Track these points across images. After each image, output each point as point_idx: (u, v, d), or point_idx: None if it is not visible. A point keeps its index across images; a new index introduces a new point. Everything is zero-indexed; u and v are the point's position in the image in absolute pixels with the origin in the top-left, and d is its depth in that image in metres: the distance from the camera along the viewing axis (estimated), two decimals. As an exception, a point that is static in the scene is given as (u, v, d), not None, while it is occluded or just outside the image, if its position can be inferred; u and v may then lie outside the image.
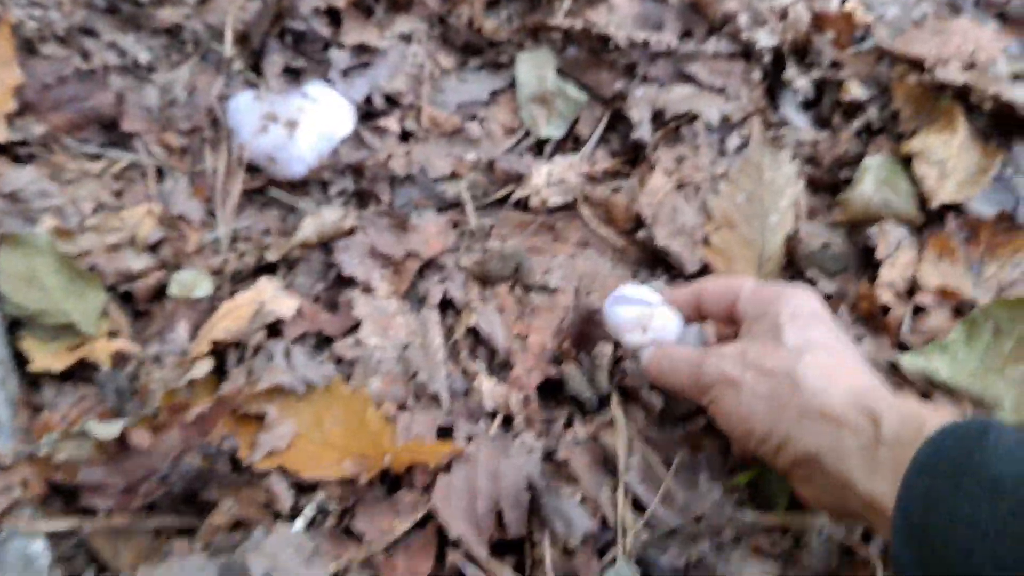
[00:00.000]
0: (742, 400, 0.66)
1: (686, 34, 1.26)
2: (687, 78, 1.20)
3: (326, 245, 1.02)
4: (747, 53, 1.22)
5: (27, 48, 1.09)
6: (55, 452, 0.78)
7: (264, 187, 1.09)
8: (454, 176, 1.12)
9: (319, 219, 0.99)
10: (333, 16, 1.22)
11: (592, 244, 1.07)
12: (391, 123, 1.14)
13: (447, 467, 0.80)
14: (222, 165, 1.09)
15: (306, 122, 1.07)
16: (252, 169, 1.09)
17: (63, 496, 0.80)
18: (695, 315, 0.81)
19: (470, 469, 0.80)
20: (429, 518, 0.80)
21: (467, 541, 0.76)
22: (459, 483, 0.79)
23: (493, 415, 0.90)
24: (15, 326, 0.91)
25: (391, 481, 0.84)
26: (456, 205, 1.11)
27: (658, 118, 1.15)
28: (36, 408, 0.87)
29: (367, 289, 0.99)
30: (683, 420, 0.87)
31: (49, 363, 0.88)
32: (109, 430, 0.77)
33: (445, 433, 0.86)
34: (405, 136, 1.15)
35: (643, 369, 0.82)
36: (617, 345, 0.91)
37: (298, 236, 0.99)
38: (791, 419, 0.63)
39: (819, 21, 1.27)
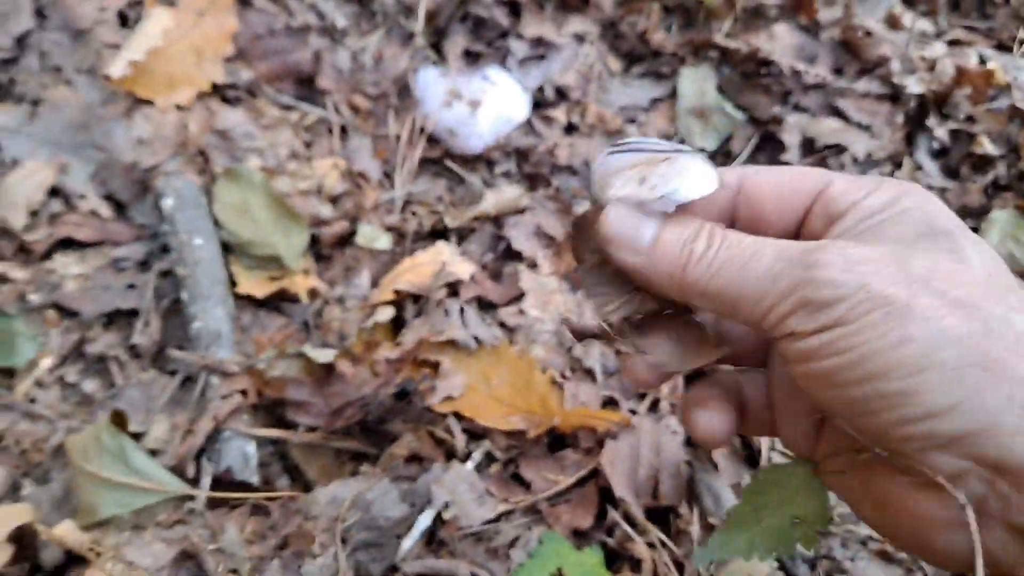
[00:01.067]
0: (910, 335, 0.36)
1: (837, 70, 1.33)
2: (836, 112, 1.27)
3: (497, 220, 1.10)
4: (894, 96, 1.29)
5: (242, 0, 1.18)
6: (270, 368, 0.87)
7: (441, 158, 1.18)
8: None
9: (499, 194, 1.08)
10: (512, 8, 1.30)
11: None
12: (559, 115, 1.22)
13: (613, 435, 0.88)
14: (405, 132, 1.17)
15: (488, 103, 1.15)
16: (431, 140, 1.17)
17: (269, 408, 0.89)
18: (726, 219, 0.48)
19: (635, 439, 0.88)
20: (591, 478, 0.88)
21: (627, 502, 0.84)
22: (624, 450, 0.87)
23: (643, 396, 0.97)
24: (225, 252, 0.99)
25: (553, 440, 0.92)
26: (612, 199, 1.18)
27: (808, 145, 1.22)
28: (240, 328, 0.96)
29: (532, 265, 1.07)
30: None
31: (252, 289, 0.97)
32: (324, 355, 0.86)
33: (609, 404, 0.94)
34: (570, 129, 1.23)
35: (650, 257, 0.44)
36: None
37: (479, 207, 1.07)
38: (1003, 402, 0.35)
39: (960, 76, 1.33)
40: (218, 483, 0.78)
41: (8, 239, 0.96)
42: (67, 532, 0.67)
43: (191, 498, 0.75)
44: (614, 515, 0.85)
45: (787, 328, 0.40)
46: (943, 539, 0.39)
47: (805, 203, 0.46)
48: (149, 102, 1.04)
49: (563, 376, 0.97)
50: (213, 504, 0.77)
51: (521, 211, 1.10)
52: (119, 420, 0.76)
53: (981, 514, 0.37)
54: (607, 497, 0.86)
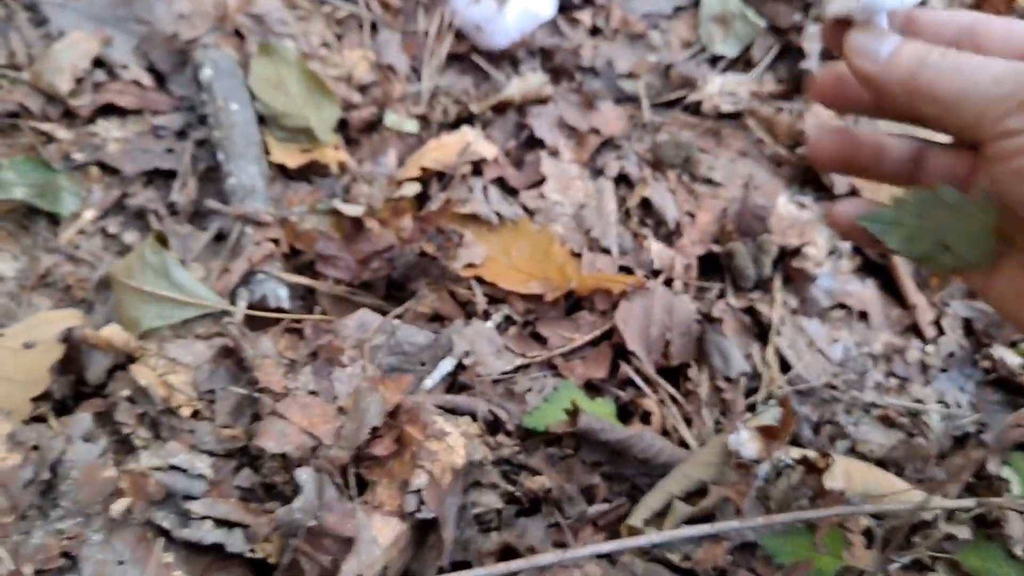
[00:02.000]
0: None
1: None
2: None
3: (520, 109, 1.14)
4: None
5: None
6: (301, 221, 0.91)
7: (467, 53, 1.21)
8: (632, 75, 1.23)
9: (524, 82, 1.11)
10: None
11: (751, 154, 1.17)
12: (585, 17, 1.25)
13: (628, 296, 0.92)
14: (433, 27, 1.21)
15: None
16: (458, 36, 1.21)
17: (299, 262, 0.93)
18: None
19: (648, 300, 0.91)
20: (605, 337, 0.92)
21: (639, 357, 0.88)
22: (638, 310, 0.91)
23: (657, 273, 1.01)
24: (259, 123, 1.03)
25: (571, 305, 0.96)
26: (632, 100, 1.22)
27: (828, 54, 1.24)
28: (272, 195, 1.00)
29: (554, 152, 1.11)
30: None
31: (284, 159, 1.01)
32: (354, 209, 0.90)
33: (625, 271, 0.97)
34: (594, 32, 1.26)
35: (886, 65, 0.51)
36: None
37: (503, 93, 1.11)
38: None
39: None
40: (253, 307, 0.82)
41: (54, 103, 1.00)
42: (114, 333, 0.71)
43: (229, 314, 0.80)
44: (626, 370, 0.89)
45: (1003, 126, 0.45)
46: None
47: None
48: (189, -20, 1.08)
49: (580, 254, 1.01)
50: (249, 323, 0.81)
51: (544, 101, 1.14)
52: (161, 239, 0.81)
53: None
54: (620, 354, 0.90)
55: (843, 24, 0.53)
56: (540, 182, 1.08)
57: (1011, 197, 0.48)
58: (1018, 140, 0.45)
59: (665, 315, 0.91)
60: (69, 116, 1.01)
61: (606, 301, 0.93)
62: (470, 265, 0.95)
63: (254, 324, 0.81)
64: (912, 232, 0.55)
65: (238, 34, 1.09)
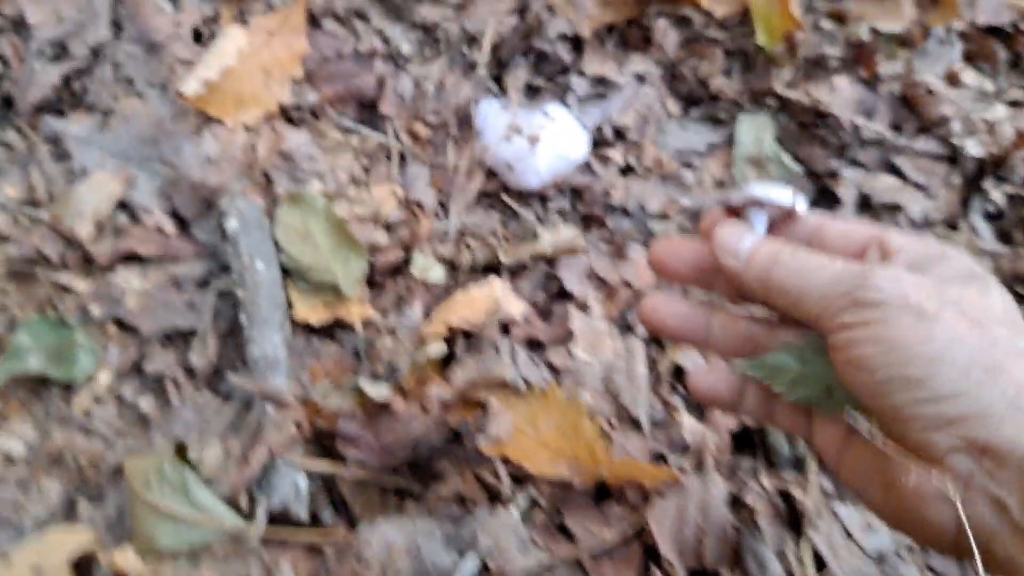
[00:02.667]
0: (933, 336, 0.47)
1: (895, 127, 1.33)
2: (893, 169, 1.27)
3: (550, 259, 1.11)
4: (952, 157, 1.29)
5: (312, 22, 1.19)
6: (324, 399, 0.88)
7: (496, 191, 1.18)
8: (664, 216, 1.21)
9: (556, 235, 1.08)
10: (575, 44, 1.30)
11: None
12: (616, 155, 1.23)
13: (661, 492, 0.88)
14: (464, 163, 1.18)
15: (546, 139, 1.16)
16: (489, 172, 1.18)
17: (319, 439, 0.90)
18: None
19: (682, 498, 0.88)
20: (636, 535, 0.88)
21: (673, 563, 0.85)
22: (672, 509, 0.87)
23: (686, 448, 0.98)
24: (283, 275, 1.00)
25: (599, 490, 0.92)
26: (664, 244, 1.19)
27: (864, 202, 1.22)
28: (295, 354, 0.97)
29: (583, 307, 1.07)
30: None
31: (308, 315, 0.98)
32: (380, 392, 0.86)
33: (657, 459, 0.94)
34: (626, 170, 1.23)
35: (746, 262, 0.57)
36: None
37: (535, 246, 1.08)
38: (997, 396, 0.45)
39: (1019, 138, 1.32)
40: (273, 518, 0.78)
41: (73, 249, 0.97)
42: (128, 562, 0.68)
43: (245, 534, 0.76)
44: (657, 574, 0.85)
45: (839, 320, 0.51)
46: (933, 511, 0.48)
47: (864, 243, 0.57)
48: (218, 120, 1.05)
49: (610, 424, 0.97)
50: (268, 540, 0.77)
51: (576, 252, 1.11)
52: (181, 452, 0.77)
53: (967, 488, 0.47)
54: (651, 555, 0.87)
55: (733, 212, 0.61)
56: (568, 338, 1.05)
57: (850, 386, 0.52)
58: (851, 333, 0.50)
59: (700, 516, 0.88)
60: (87, 263, 0.98)
61: (638, 493, 0.90)
62: (495, 441, 0.92)
63: (274, 539, 0.78)
64: (796, 377, 0.58)
65: (265, 175, 1.06)
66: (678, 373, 1.05)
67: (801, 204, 0.59)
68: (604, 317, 1.08)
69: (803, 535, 0.93)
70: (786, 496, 0.96)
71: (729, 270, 0.58)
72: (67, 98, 1.07)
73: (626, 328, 1.09)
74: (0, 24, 1.08)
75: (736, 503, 0.93)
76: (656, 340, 1.08)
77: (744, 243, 0.58)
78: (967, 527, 0.46)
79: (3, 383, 0.86)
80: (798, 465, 1.00)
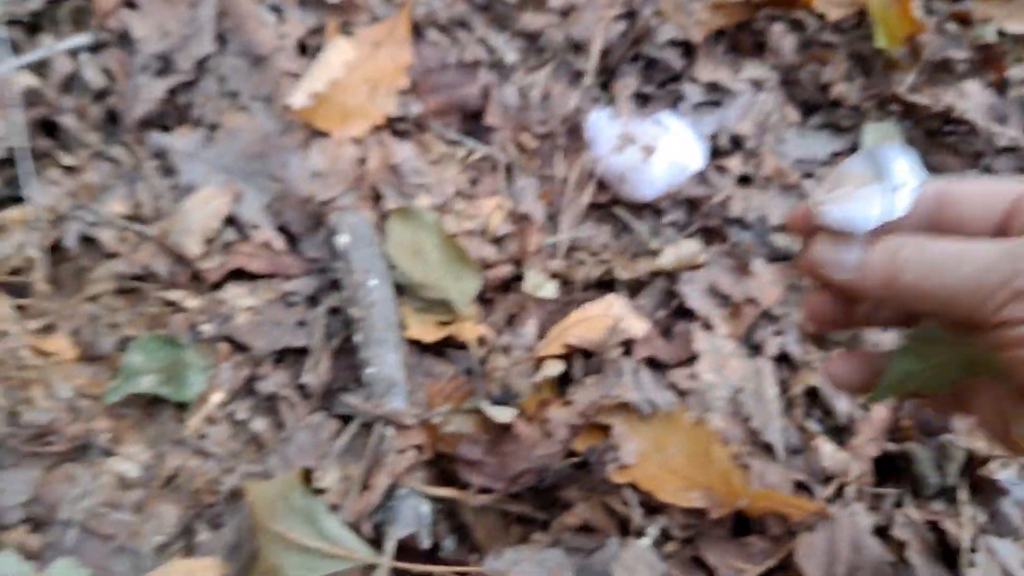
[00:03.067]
0: None
1: (1030, 132, 1.24)
2: (1030, 177, 1.18)
3: (670, 274, 1.05)
4: (1094, 163, 1.19)
5: (415, 32, 1.16)
6: (445, 423, 0.83)
7: (608, 204, 1.13)
8: (787, 228, 1.13)
9: (678, 249, 1.02)
10: (686, 49, 1.25)
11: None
12: (733, 165, 1.16)
13: (808, 526, 0.81)
14: (573, 174, 1.13)
15: (662, 149, 1.10)
16: (600, 185, 1.13)
17: (439, 463, 0.85)
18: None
19: (831, 533, 0.81)
20: (778, 569, 0.81)
21: (826, 604, 0.77)
22: (821, 544, 0.80)
23: (827, 478, 0.90)
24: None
25: (736, 522, 0.85)
26: (786, 257, 1.12)
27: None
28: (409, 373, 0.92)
29: (707, 325, 1.01)
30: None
31: (421, 333, 0.94)
32: (503, 414, 0.81)
33: (797, 488, 0.87)
34: (744, 180, 1.17)
35: (862, 271, 0.48)
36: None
37: (656, 261, 1.02)
38: None
39: None
40: (400, 549, 0.74)
41: (182, 266, 0.94)
42: (255, 595, 0.64)
43: (375, 567, 0.71)
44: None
45: (999, 318, 0.43)
46: None
47: (1005, 206, 0.49)
48: (325, 134, 1.02)
49: (742, 451, 0.91)
50: (397, 571, 0.73)
51: (696, 267, 1.04)
52: (307, 478, 0.73)
53: None
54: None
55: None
56: (692, 359, 0.99)
57: (1019, 380, 0.45)
58: (1019, 330, 0.42)
59: (853, 553, 0.80)
60: (196, 280, 0.95)
61: (780, 525, 0.83)
62: (623, 467, 0.86)
63: (402, 572, 0.73)
64: (926, 373, 0.52)
65: (374, 190, 1.02)
66: (812, 396, 0.98)
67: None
68: (729, 336, 1.01)
69: (958, 573, 0.85)
70: (936, 528, 0.88)
71: (843, 286, 0.49)
72: (172, 112, 1.05)
73: (753, 348, 1.02)
74: (105, 38, 1.07)
75: (883, 536, 0.86)
76: (787, 360, 1.00)
77: (847, 252, 0.48)
78: None
79: (118, 403, 0.83)
80: (947, 495, 0.91)
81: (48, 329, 0.89)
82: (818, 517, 0.82)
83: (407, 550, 0.74)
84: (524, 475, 0.80)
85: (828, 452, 0.92)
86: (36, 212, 0.95)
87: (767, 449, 0.93)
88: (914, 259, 0.46)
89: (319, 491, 0.75)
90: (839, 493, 0.90)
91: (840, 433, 0.95)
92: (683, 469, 0.88)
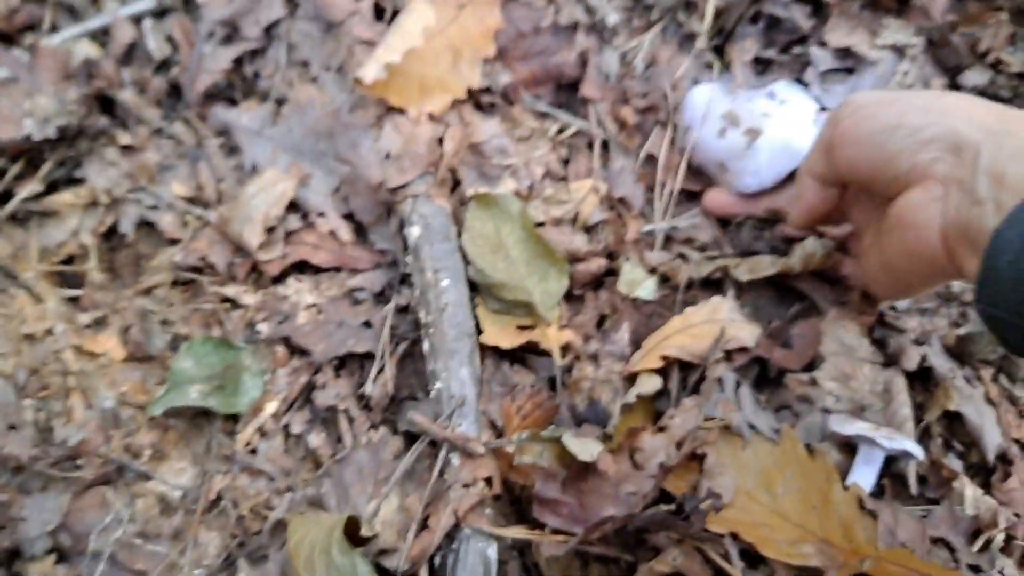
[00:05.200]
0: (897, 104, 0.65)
1: None
2: None
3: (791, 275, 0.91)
4: None
5: (503, -9, 1.03)
6: (519, 453, 0.73)
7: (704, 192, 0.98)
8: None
9: (806, 250, 0.87)
10: (815, 7, 1.08)
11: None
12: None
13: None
14: (663, 154, 0.99)
15: (770, 131, 0.93)
16: (697, 171, 0.99)
17: (510, 499, 0.75)
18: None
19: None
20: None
21: None
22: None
23: (975, 532, 0.76)
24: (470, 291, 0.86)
25: (858, 581, 0.72)
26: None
27: None
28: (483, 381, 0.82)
29: (834, 323, 0.87)
30: None
31: (498, 339, 0.83)
32: (588, 450, 0.70)
33: (938, 544, 0.73)
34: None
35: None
36: None
37: (783, 261, 0.88)
38: (958, 121, 0.59)
39: None
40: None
41: (242, 257, 0.86)
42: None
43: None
44: None
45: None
46: (920, 233, 0.61)
47: None
48: (400, 110, 0.91)
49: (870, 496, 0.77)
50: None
51: (827, 267, 0.90)
52: (352, 527, 0.64)
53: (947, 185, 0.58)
54: None
55: None
56: (812, 364, 0.85)
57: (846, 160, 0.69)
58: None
59: (1003, 637, 0.67)
60: (256, 272, 0.87)
61: (914, 592, 0.70)
62: (721, 513, 0.74)
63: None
64: None
65: (452, 172, 0.91)
66: (952, 423, 0.83)
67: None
68: (862, 336, 0.87)
69: None
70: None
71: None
72: (238, 84, 0.97)
73: (889, 358, 0.87)
74: (169, 3, 0.98)
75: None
76: (923, 378, 0.86)
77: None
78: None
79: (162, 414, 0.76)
80: None
81: (99, 324, 0.82)
82: None
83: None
84: (607, 521, 0.69)
85: (972, 497, 0.77)
86: (92, 194, 0.88)
87: (900, 483, 0.79)
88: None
89: (367, 539, 0.66)
90: (984, 548, 0.76)
91: (989, 475, 0.80)
92: (795, 514, 0.75)
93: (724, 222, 0.97)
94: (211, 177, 0.91)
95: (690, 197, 0.99)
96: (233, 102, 0.95)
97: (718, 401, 0.81)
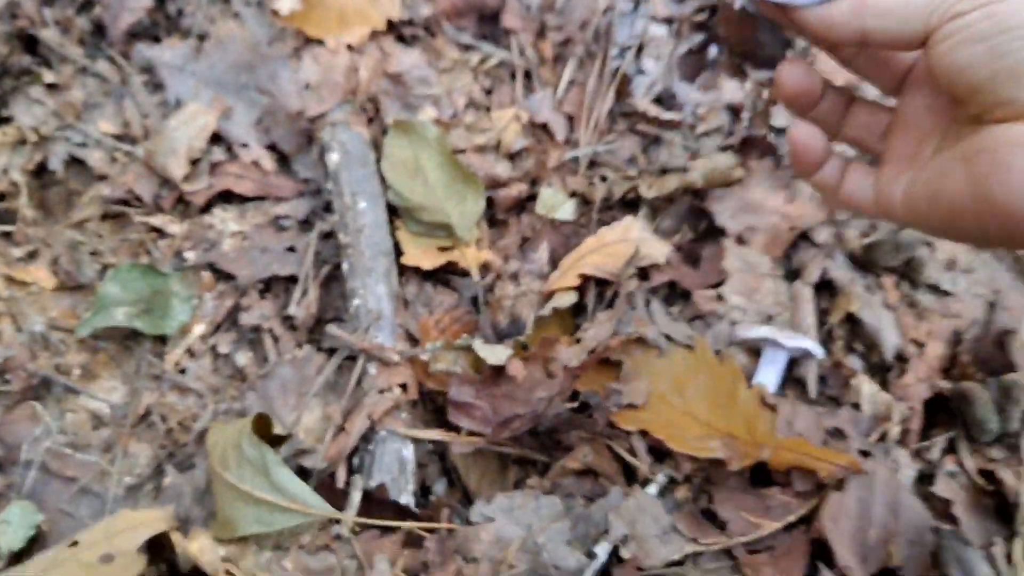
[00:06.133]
0: None
1: None
2: None
3: (699, 192, 0.94)
4: None
5: (427, -77, 1.05)
6: (434, 360, 0.76)
7: (635, 114, 1.02)
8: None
9: (710, 163, 0.91)
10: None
11: (999, 257, 0.93)
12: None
13: (838, 483, 0.72)
14: (592, 80, 1.02)
15: (696, 51, 0.98)
16: (621, 92, 1.02)
17: (428, 401, 0.79)
18: None
19: (866, 493, 0.72)
20: (801, 523, 0.73)
21: (852, 568, 0.69)
22: (852, 505, 0.71)
23: (868, 423, 0.81)
24: (390, 214, 0.89)
25: (756, 471, 0.77)
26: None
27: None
28: (403, 301, 0.85)
29: (740, 241, 0.91)
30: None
31: (419, 260, 0.86)
32: (496, 355, 0.74)
33: (832, 435, 0.78)
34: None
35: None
36: None
37: (684, 177, 0.91)
38: None
39: None
40: (369, 499, 0.68)
41: (167, 189, 0.89)
42: (202, 549, 0.59)
43: (338, 521, 0.66)
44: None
45: (953, 11, 0.42)
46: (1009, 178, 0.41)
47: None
48: (318, 41, 0.93)
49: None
50: (363, 526, 0.67)
51: (731, 183, 0.93)
52: (262, 425, 0.67)
53: None
54: (821, 553, 0.71)
55: None
56: (719, 283, 0.89)
57: (949, 69, 0.43)
58: (962, 20, 0.42)
59: (889, 516, 0.71)
60: (182, 203, 0.89)
61: (808, 480, 0.74)
62: (630, 407, 0.78)
63: (370, 516, 0.67)
64: None
65: (372, 101, 0.94)
66: (854, 326, 0.87)
67: None
68: (765, 255, 0.91)
69: (1016, 533, 0.75)
70: (992, 478, 0.78)
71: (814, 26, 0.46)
72: (161, 21, 0.98)
73: (791, 272, 0.91)
74: (90, -58, 1.00)
75: (927, 490, 0.76)
76: (828, 287, 0.90)
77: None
78: None
79: (93, 336, 0.79)
80: (1008, 442, 0.81)
81: (30, 257, 0.85)
82: (849, 471, 0.72)
83: (378, 501, 0.68)
84: (516, 420, 0.73)
85: (869, 393, 0.82)
86: (20, 132, 0.90)
87: (801, 388, 0.83)
88: None
89: (282, 438, 0.70)
90: (880, 440, 0.81)
91: (886, 372, 0.84)
92: (704, 413, 0.79)
93: (645, 141, 1.00)
94: (136, 113, 0.93)
95: (619, 118, 1.02)
96: (156, 39, 0.97)
97: (632, 315, 0.85)
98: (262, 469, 0.64)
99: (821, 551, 0.71)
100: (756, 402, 0.79)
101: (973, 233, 0.45)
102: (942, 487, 0.76)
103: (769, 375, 0.83)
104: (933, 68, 0.45)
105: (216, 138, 0.91)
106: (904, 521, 0.70)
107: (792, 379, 0.85)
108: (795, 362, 0.85)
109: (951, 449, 0.81)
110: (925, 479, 0.78)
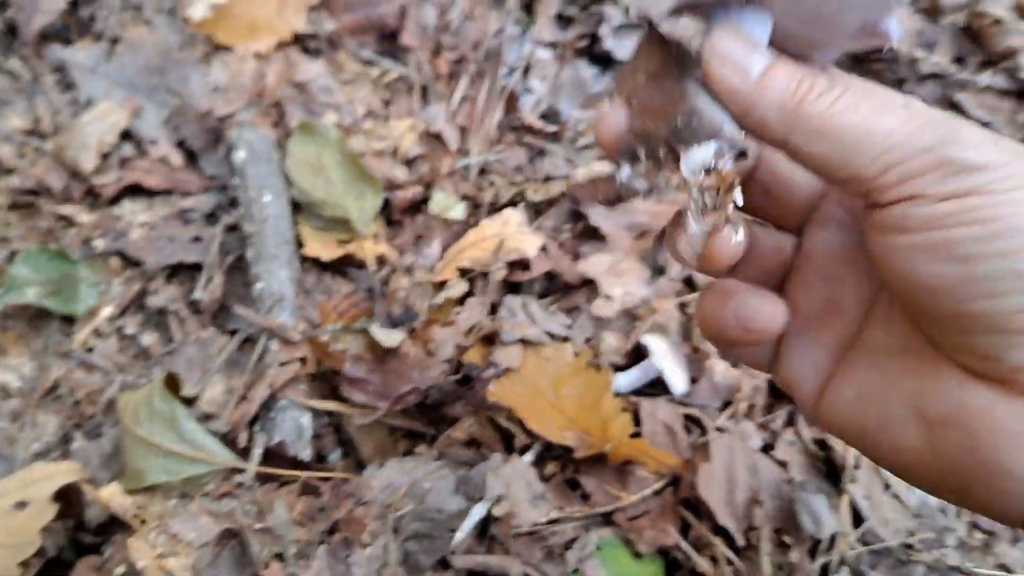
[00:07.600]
0: None
1: (958, 60, 1.23)
2: (953, 105, 1.18)
3: (576, 197, 1.04)
4: (1020, 92, 1.19)
5: (330, -54, 1.13)
6: (333, 340, 0.83)
7: (522, 127, 1.11)
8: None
9: (589, 169, 1.01)
10: (611, -29, 1.22)
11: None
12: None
13: (705, 455, 0.82)
14: (482, 96, 1.11)
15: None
16: (510, 105, 1.11)
17: (326, 378, 0.85)
18: None
19: (730, 460, 0.82)
20: (653, 497, 0.83)
21: (730, 530, 0.79)
22: (720, 472, 0.81)
23: (722, 401, 0.91)
24: (293, 210, 0.96)
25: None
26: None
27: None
28: (304, 290, 0.92)
29: (609, 243, 1.01)
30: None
31: (319, 251, 0.93)
32: (391, 338, 0.81)
33: (693, 421, 0.88)
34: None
35: (758, 85, 0.36)
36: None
37: (565, 182, 1.01)
38: None
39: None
40: (270, 456, 0.74)
41: (77, 181, 0.93)
42: (112, 495, 0.65)
43: (241, 471, 0.72)
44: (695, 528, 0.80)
45: (911, 189, 0.34)
46: (1006, 456, 0.33)
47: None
48: (228, 48, 1.00)
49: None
50: (263, 478, 0.73)
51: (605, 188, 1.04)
52: (172, 384, 0.73)
53: None
54: (691, 509, 0.82)
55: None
56: (591, 281, 0.99)
57: (904, 275, 0.35)
58: (933, 208, 0.33)
59: (751, 476, 0.82)
60: (92, 195, 0.94)
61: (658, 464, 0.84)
62: (498, 381, 0.86)
63: (270, 477, 0.74)
64: None
65: (277, 106, 1.01)
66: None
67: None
68: (632, 253, 1.01)
69: (843, 488, 0.86)
70: (824, 446, 0.90)
71: (734, 91, 0.36)
72: (73, 25, 1.03)
73: (658, 271, 1.02)
74: (6, -52, 1.04)
75: (770, 456, 0.87)
76: (689, 283, 1.01)
77: (755, 57, 0.36)
78: None
79: (2, 314, 0.83)
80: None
81: (-63, 244, 0.88)
82: (675, 469, 0.83)
83: (278, 458, 0.74)
84: (407, 395, 0.81)
85: (721, 370, 0.92)
86: (-71, 125, 0.93)
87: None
88: (825, 89, 0.36)
89: (190, 400, 0.76)
90: (731, 417, 0.91)
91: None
92: (570, 411, 0.88)
93: (531, 152, 1.10)
94: (48, 110, 0.98)
95: (507, 131, 1.12)
96: (68, 41, 1.02)
97: (507, 305, 0.93)
98: (171, 422, 0.70)
99: (691, 509, 0.81)
100: (617, 410, 0.87)
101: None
102: (781, 452, 0.87)
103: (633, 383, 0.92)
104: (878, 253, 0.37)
105: (127, 136, 0.96)
106: (763, 479, 0.81)
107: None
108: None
109: (791, 422, 0.92)
110: (768, 448, 0.89)
